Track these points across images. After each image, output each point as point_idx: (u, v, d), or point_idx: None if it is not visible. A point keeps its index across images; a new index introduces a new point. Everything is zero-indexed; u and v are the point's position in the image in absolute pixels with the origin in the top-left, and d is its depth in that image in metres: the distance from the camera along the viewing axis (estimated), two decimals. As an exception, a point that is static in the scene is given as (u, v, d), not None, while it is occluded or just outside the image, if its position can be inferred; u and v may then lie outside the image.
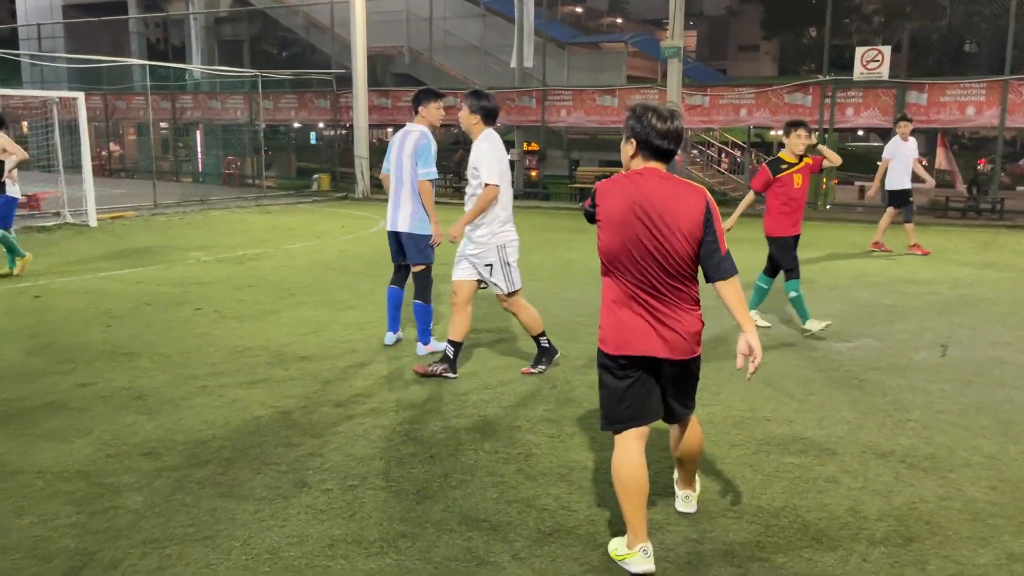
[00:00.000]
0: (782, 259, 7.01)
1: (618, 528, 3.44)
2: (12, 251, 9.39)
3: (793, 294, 7.00)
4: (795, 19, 40.75)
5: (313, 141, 32.73)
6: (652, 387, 3.23)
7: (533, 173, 24.15)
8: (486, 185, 5.43)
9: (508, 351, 6.40)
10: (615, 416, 3.25)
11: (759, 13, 43.61)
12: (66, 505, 3.66)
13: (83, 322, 7.22)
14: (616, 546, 3.27)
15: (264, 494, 3.79)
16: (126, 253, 11.37)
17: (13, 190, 9.39)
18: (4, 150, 8.96)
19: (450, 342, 5.67)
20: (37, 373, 5.69)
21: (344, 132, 25.90)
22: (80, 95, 14.81)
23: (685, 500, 3.70)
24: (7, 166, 9.02)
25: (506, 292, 5.67)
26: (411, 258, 6.25)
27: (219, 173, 25.57)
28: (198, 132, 27.79)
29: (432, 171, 6.01)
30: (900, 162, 11.64)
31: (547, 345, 5.91)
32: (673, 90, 18.54)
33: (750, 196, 7.15)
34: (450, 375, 5.65)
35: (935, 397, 5.26)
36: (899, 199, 11.80)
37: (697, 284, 3.21)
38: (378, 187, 24.99)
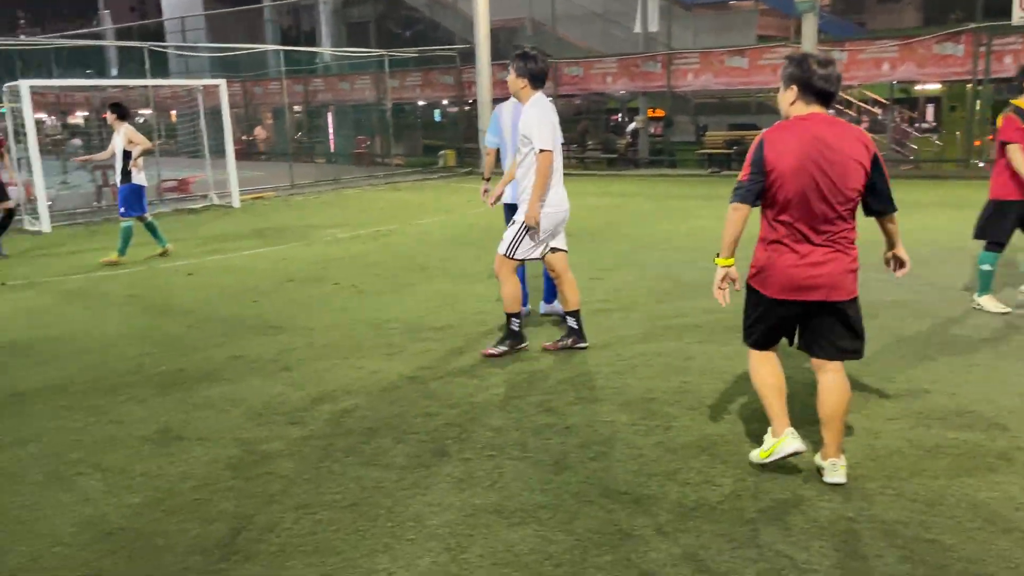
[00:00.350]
0: (998, 227, 6.04)
1: (766, 503, 3.30)
2: (158, 236, 10.02)
3: (987, 267, 6.11)
4: (942, -36, 37.86)
5: (438, 118, 33.24)
6: (796, 323, 3.57)
7: (657, 140, 23.64)
8: (540, 152, 5.15)
9: (639, 321, 6.27)
10: (758, 340, 3.65)
11: (901, -40, 40.71)
12: (224, 470, 3.86)
13: (232, 297, 7.61)
14: (762, 447, 3.60)
15: (405, 463, 3.87)
16: (267, 232, 11.91)
17: (139, 178, 9.68)
18: (130, 140, 9.41)
19: (568, 314, 5.59)
20: (194, 345, 6.04)
21: (468, 108, 26.15)
22: (222, 82, 15.56)
23: (832, 469, 3.49)
24: (133, 155, 9.41)
25: (502, 252, 5.36)
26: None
27: (350, 153, 26.37)
28: (329, 114, 28.74)
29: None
30: None
31: (516, 329, 5.50)
32: (807, 46, 17.59)
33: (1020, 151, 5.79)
34: (581, 344, 5.58)
35: (1120, 368, 4.77)
36: None
37: (855, 223, 3.41)
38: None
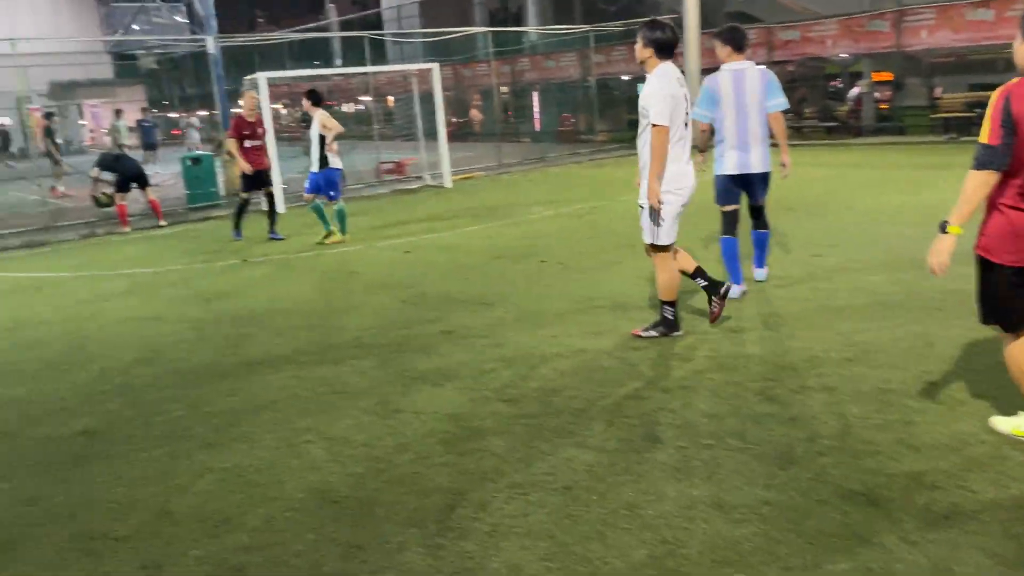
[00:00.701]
0: None
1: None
2: (325, 220, 10.00)
3: None
4: None
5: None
6: None
7: (883, 105, 21.74)
8: (654, 126, 4.82)
9: (868, 303, 5.73)
10: (1007, 320, 3.39)
11: None
12: (438, 444, 3.93)
13: (445, 274, 7.84)
14: (1015, 424, 3.48)
15: (617, 446, 3.75)
16: (477, 210, 12.20)
17: (336, 161, 9.75)
18: (324, 125, 9.57)
19: (664, 303, 5.28)
20: (410, 320, 6.26)
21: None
22: (435, 66, 16.10)
23: None
24: (327, 140, 9.53)
25: (647, 241, 5.18)
26: (756, 196, 6.22)
27: (555, 131, 26.53)
28: (535, 93, 29.05)
29: (784, 102, 5.99)
30: None
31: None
32: (1071, -9, 15.39)
33: None
34: (676, 333, 5.28)
35: None
36: None
37: None
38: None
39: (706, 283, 5.35)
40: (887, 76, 21.44)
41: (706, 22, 22.96)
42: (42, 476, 3.94)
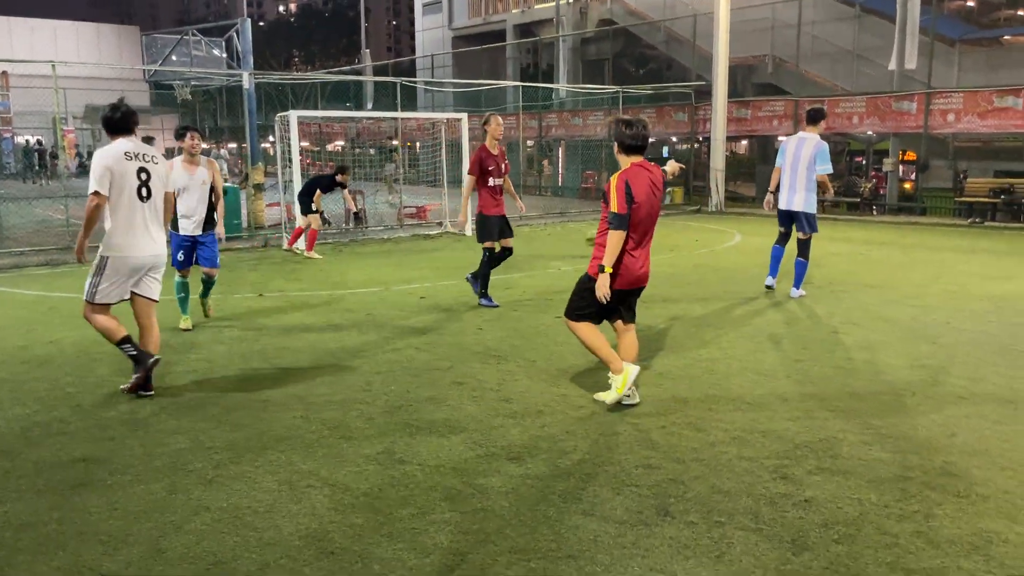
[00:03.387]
0: None
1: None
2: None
3: None
4: None
5: (665, 155, 32.90)
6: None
7: (907, 185, 21.77)
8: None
9: (888, 386, 5.61)
10: (591, 316, 5.18)
11: None
12: (442, 500, 3.83)
13: (459, 323, 7.78)
14: (607, 393, 5.14)
15: (625, 517, 3.64)
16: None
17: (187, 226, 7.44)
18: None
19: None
20: (421, 368, 6.19)
21: (697, 145, 25.62)
22: (464, 116, 16.29)
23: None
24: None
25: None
26: (801, 228, 8.74)
27: (577, 187, 26.72)
28: (560, 148, 29.34)
29: (828, 167, 8.51)
30: None
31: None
32: (1101, 86, 15.46)
33: None
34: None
35: None
36: None
37: None
38: (732, 200, 24.31)
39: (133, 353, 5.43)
40: (911, 156, 21.53)
41: (735, 92, 23.25)
42: (38, 501, 3.87)
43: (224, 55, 20.44)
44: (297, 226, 13.08)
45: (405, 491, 3.94)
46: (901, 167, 21.78)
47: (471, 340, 7.10)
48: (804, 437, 4.64)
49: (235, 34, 16.56)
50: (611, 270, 4.94)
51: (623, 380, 5.08)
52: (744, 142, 32.82)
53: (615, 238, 4.84)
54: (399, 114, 18.35)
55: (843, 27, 22.68)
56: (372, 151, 28.38)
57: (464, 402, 5.34)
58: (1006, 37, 24.66)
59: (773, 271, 9.16)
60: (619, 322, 5.31)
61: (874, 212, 20.53)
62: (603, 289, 4.93)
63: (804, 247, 8.78)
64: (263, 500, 3.84)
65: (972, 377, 5.75)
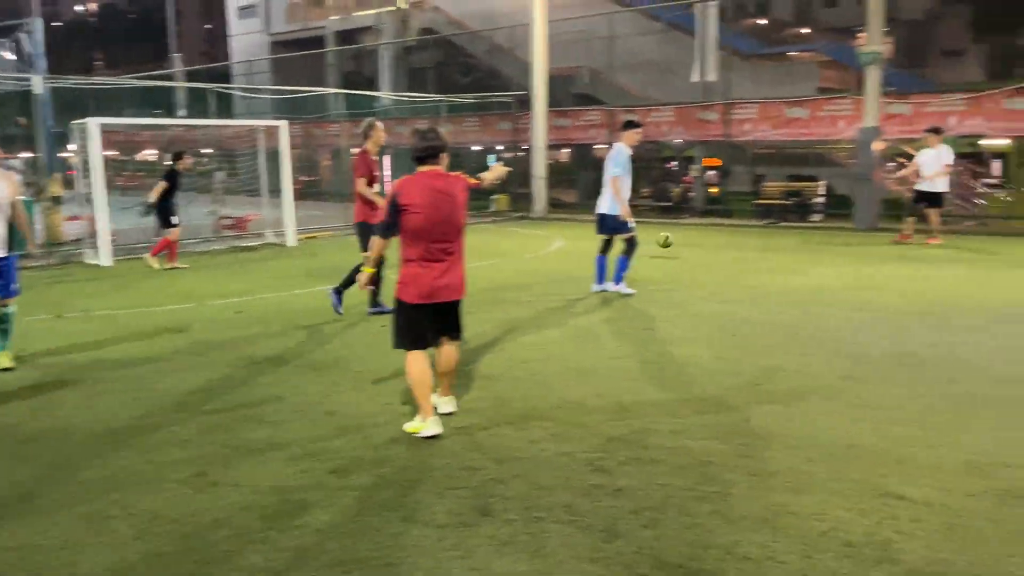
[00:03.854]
0: None
1: None
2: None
3: None
4: (1007, 20, 37.30)
5: (492, 162, 33.51)
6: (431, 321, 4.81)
7: (713, 189, 23.34)
8: None
9: (694, 375, 6.01)
10: (407, 342, 4.82)
11: (965, 15, 40.23)
12: (257, 520, 3.71)
13: (280, 335, 7.55)
14: (411, 425, 4.81)
15: (447, 520, 3.67)
16: (320, 271, 11.93)
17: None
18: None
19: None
20: (239, 384, 5.96)
21: (523, 153, 26.26)
22: (283, 123, 15.84)
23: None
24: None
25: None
26: (603, 231, 9.29)
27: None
28: (387, 158, 29.13)
29: (611, 170, 8.97)
30: (928, 167, 13.60)
31: None
32: (871, 99, 17.28)
33: None
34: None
35: None
36: (930, 198, 13.75)
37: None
38: (555, 206, 25.09)
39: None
40: (717, 162, 23.12)
41: (555, 101, 24.02)
42: None
43: (14, 57, 18.74)
44: (162, 238, 12.40)
45: (219, 514, 3.78)
46: (709, 172, 23.33)
47: (292, 352, 6.91)
48: (619, 430, 4.87)
49: (24, 34, 15.23)
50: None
51: (419, 426, 4.76)
52: (566, 150, 34.01)
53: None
54: (211, 121, 17.57)
55: (651, 41, 24.03)
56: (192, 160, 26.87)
57: (285, 417, 5.20)
58: (792, 54, 27.02)
59: (599, 279, 9.55)
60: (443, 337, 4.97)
61: (684, 215, 21.85)
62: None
63: (626, 246, 9.26)
64: (56, 536, 3.56)
65: (766, 366, 6.25)
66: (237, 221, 17.19)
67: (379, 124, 8.26)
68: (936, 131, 13.95)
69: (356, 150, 8.40)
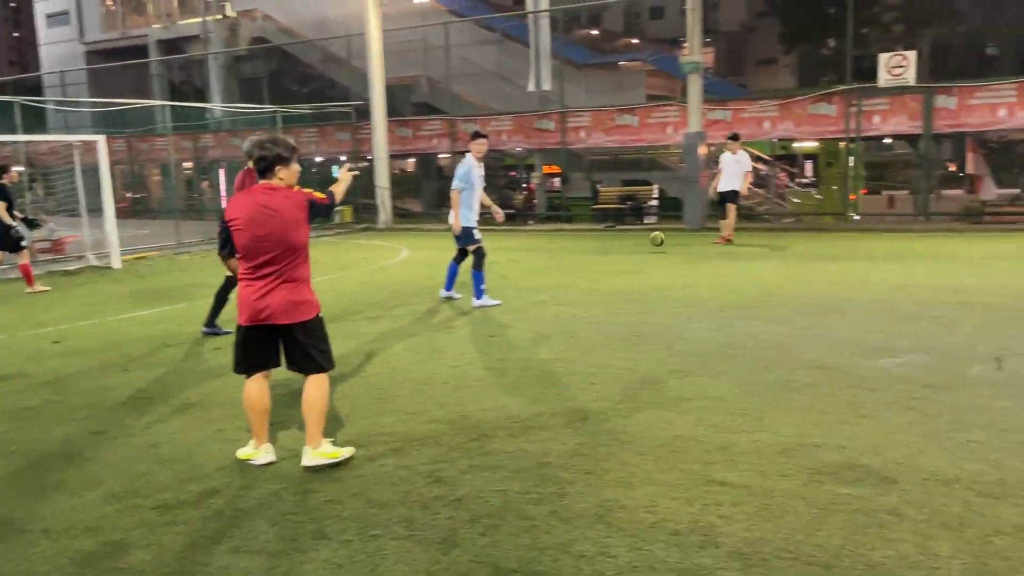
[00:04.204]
0: None
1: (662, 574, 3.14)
2: None
3: None
4: (813, 31, 40.56)
5: (335, 174, 32.86)
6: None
7: (555, 195, 23.95)
8: None
9: (534, 378, 6.12)
10: (240, 365, 4.56)
11: (776, 27, 43.42)
12: (72, 566, 3.43)
13: (102, 366, 7.06)
14: (243, 451, 4.65)
15: (280, 547, 3.54)
16: (148, 293, 11.28)
17: None
18: None
19: None
20: (53, 420, 5.51)
21: (365, 164, 25.93)
22: (101, 138, 14.87)
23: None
24: None
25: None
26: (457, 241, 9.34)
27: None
28: (221, 171, 27.97)
29: (457, 184, 9.08)
30: (729, 170, 14.53)
31: None
32: (694, 106, 18.29)
33: None
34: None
35: (998, 415, 4.90)
36: (729, 197, 14.62)
37: None
38: (401, 217, 24.94)
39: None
40: (556, 169, 23.74)
41: (394, 111, 23.88)
42: None
43: None
44: (21, 264, 11.70)
45: (25, 564, 3.47)
46: (550, 180, 23.91)
47: (116, 383, 6.48)
48: (459, 439, 4.87)
49: None
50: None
51: (251, 453, 4.62)
52: (411, 160, 33.86)
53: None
54: (22, 137, 16.25)
55: (488, 50, 24.37)
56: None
57: (104, 453, 4.85)
58: (622, 63, 28.16)
59: (448, 284, 9.66)
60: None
61: (527, 222, 22.29)
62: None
63: (474, 258, 9.24)
64: None
65: (603, 365, 6.45)
66: (53, 244, 15.97)
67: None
68: (735, 137, 14.88)
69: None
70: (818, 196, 20.04)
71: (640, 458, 4.43)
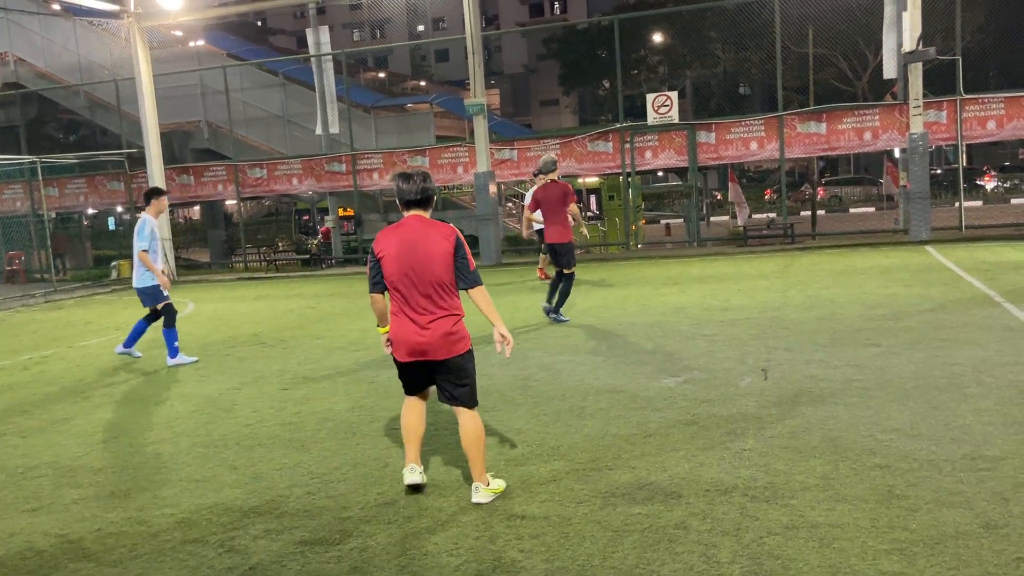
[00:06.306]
0: None
1: None
2: None
3: None
4: (590, 73, 43.31)
5: (112, 227, 30.53)
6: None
7: (350, 238, 23.66)
8: None
9: (339, 431, 5.93)
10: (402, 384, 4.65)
11: (556, 69, 45.93)
12: None
13: None
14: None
15: (45, 650, 3.15)
16: None
17: None
18: None
19: None
20: None
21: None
22: None
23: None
24: None
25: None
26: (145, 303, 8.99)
27: (1, 270, 23.15)
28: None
29: (144, 244, 8.64)
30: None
31: None
32: (481, 146, 18.81)
33: None
34: None
35: (765, 422, 5.34)
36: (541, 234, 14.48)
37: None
38: (185, 268, 23.57)
39: None
40: (350, 212, 23.48)
41: (173, 159, 22.69)
42: None
43: None
44: None
45: None
46: (343, 223, 23.59)
47: None
48: (253, 501, 4.61)
49: None
50: (384, 330, 4.64)
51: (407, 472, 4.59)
52: (197, 207, 32.17)
53: (370, 300, 4.64)
54: None
55: (271, 94, 23.76)
56: None
57: None
58: (409, 105, 28.50)
59: (129, 342, 9.37)
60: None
61: (323, 267, 21.83)
62: (385, 349, 4.63)
63: (164, 316, 8.92)
64: None
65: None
66: None
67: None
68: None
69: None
70: (603, 228, 21.17)
71: (442, 500, 4.40)
